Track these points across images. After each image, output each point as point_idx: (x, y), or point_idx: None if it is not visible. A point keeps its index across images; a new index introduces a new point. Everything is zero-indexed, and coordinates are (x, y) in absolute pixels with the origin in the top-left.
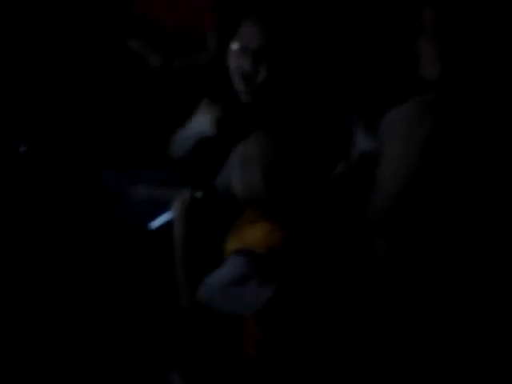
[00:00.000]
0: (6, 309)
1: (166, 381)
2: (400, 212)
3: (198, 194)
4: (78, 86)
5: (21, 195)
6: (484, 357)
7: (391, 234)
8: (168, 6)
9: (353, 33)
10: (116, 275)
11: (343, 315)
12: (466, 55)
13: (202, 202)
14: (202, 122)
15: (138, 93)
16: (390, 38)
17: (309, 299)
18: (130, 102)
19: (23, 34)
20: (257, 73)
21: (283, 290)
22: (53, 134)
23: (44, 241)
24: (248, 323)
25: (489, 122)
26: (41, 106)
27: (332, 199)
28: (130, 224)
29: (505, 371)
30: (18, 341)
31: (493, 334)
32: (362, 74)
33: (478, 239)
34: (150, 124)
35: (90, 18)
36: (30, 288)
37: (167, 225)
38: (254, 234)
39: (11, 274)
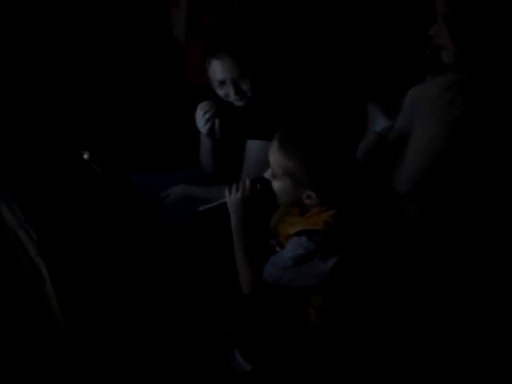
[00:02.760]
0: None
1: (227, 363)
2: (432, 180)
3: (258, 185)
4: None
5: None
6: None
7: (423, 201)
8: None
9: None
10: (171, 267)
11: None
12: (481, 38)
13: (261, 191)
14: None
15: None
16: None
17: (363, 269)
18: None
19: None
20: (245, 92)
21: (343, 259)
22: (110, 141)
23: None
24: (310, 297)
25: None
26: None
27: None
28: (172, 220)
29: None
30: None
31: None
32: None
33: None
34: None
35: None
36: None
37: (215, 209)
38: (309, 220)
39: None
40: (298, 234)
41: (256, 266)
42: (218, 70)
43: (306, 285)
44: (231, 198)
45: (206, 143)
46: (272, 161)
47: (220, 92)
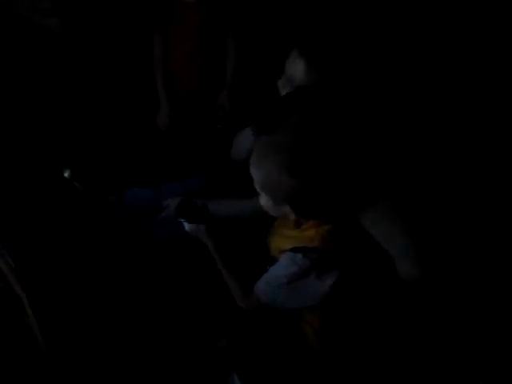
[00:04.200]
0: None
1: None
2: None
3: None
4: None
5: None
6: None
7: None
8: None
9: None
10: (166, 282)
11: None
12: None
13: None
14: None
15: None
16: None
17: (359, 285)
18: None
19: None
20: None
21: (340, 277)
22: (90, 159)
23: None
24: (306, 316)
25: None
26: (79, 135)
27: None
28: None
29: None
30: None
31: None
32: None
33: None
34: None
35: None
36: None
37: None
38: (306, 234)
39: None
40: (293, 250)
41: (243, 281)
42: (292, 67)
43: (304, 306)
44: (190, 229)
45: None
46: (252, 176)
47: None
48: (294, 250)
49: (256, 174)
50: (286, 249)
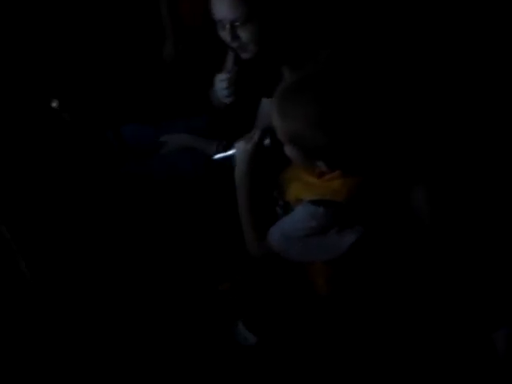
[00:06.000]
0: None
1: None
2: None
3: (267, 141)
4: (100, 36)
5: (54, 150)
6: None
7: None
8: None
9: None
10: (164, 225)
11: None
12: None
13: (269, 148)
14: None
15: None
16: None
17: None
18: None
19: None
20: (244, 43)
21: (363, 236)
22: (82, 90)
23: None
24: (316, 265)
25: None
26: (69, 62)
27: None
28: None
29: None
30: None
31: None
32: None
33: None
34: (178, 74)
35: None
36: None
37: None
38: (330, 185)
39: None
40: (314, 202)
41: (260, 222)
42: (217, 5)
43: (318, 259)
44: (239, 146)
45: (219, 102)
46: (275, 126)
47: (221, 34)
48: (315, 202)
49: (282, 125)
50: (306, 199)
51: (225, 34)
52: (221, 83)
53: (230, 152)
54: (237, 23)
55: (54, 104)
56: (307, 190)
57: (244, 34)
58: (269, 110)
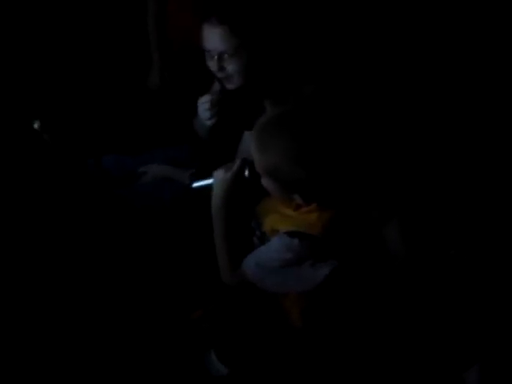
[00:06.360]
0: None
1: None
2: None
3: (246, 171)
4: (87, 65)
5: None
6: None
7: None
8: None
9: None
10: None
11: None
12: None
13: (247, 179)
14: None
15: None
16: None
17: (355, 277)
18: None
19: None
20: (230, 74)
21: (337, 268)
22: (64, 113)
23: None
24: (291, 296)
25: None
26: (54, 85)
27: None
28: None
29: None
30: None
31: None
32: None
33: None
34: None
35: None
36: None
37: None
38: (306, 217)
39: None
40: (289, 234)
41: (235, 251)
42: (208, 36)
43: (292, 290)
44: (218, 174)
45: (202, 129)
46: (253, 158)
47: (209, 63)
48: (291, 234)
49: (260, 158)
50: (282, 230)
51: (212, 64)
52: (203, 105)
53: (209, 181)
54: (225, 55)
55: (36, 125)
56: (283, 221)
57: (231, 66)
58: (250, 142)
